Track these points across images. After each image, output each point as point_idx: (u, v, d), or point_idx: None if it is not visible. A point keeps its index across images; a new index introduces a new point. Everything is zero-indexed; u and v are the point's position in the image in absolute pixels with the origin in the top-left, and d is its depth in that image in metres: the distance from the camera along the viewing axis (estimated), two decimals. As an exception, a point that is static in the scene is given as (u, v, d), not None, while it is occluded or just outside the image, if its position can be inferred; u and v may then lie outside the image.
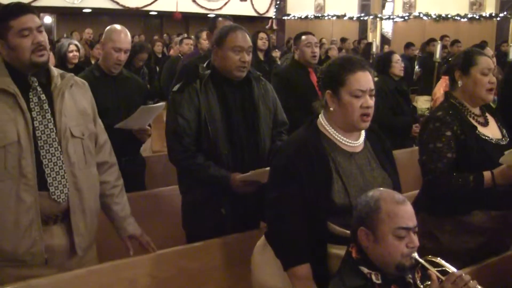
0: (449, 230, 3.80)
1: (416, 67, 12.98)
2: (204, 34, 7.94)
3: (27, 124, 3.01)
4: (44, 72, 3.19)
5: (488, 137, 3.77)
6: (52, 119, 3.10)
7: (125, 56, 4.76)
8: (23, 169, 3.00)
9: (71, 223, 3.18)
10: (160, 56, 13.48)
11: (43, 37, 3.09)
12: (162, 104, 4.80)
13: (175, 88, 4.00)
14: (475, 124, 3.79)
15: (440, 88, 7.98)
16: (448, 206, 3.78)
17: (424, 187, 3.94)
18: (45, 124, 3.07)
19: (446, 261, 2.71)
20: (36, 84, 3.10)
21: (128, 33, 4.84)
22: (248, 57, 3.90)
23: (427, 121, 3.88)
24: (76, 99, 3.27)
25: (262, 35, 8.64)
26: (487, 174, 3.61)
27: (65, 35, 16.42)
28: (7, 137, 2.97)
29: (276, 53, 13.29)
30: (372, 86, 2.99)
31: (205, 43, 8.00)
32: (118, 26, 4.83)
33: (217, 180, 3.84)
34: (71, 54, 7.96)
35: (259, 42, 8.51)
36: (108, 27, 4.85)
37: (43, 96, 3.10)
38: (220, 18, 5.45)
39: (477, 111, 3.87)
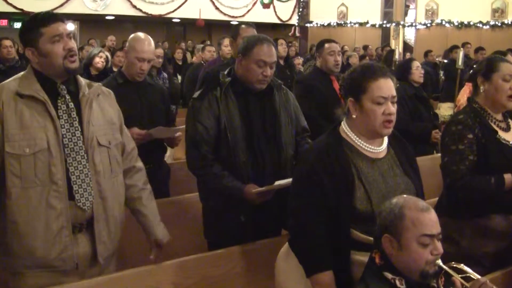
0: (468, 234, 3.83)
1: (441, 73, 12.95)
2: (226, 41, 7.94)
3: (57, 132, 3.03)
4: (73, 81, 3.21)
5: (508, 141, 3.80)
6: (79, 127, 3.12)
7: (148, 65, 4.74)
8: (54, 176, 3.01)
9: (94, 231, 3.19)
10: (180, 63, 13.49)
11: (74, 44, 3.12)
12: (180, 127, 4.79)
13: (195, 95, 4.00)
14: (496, 128, 3.82)
15: (464, 94, 7.92)
16: (468, 209, 3.80)
17: (446, 189, 3.95)
18: (72, 132, 3.09)
19: (467, 265, 2.70)
20: (65, 92, 3.12)
21: (152, 42, 4.81)
22: (270, 71, 3.88)
23: (449, 124, 3.92)
24: (103, 108, 3.30)
25: (281, 41, 8.77)
26: (508, 176, 3.67)
27: (88, 42, 16.47)
28: (37, 144, 2.99)
29: (299, 60, 13.29)
30: (394, 93, 2.98)
31: (226, 49, 8.00)
32: (141, 35, 4.79)
33: (230, 191, 3.83)
34: (98, 59, 7.97)
35: (279, 48, 8.55)
36: (132, 36, 4.82)
37: (71, 104, 3.12)
38: (243, 26, 5.43)
39: (499, 116, 3.91)
